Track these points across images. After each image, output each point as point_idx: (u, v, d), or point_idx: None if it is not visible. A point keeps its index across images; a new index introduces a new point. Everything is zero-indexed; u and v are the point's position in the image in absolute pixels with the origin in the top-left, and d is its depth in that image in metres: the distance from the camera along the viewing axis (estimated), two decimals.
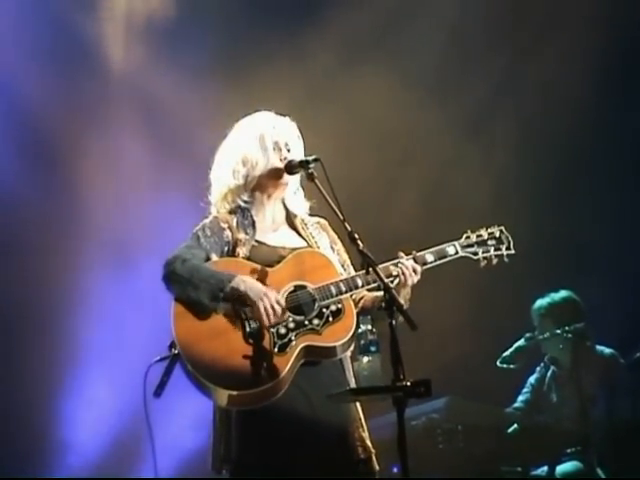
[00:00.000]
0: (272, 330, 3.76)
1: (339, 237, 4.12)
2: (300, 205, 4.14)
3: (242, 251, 3.94)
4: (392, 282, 3.86)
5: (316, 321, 3.81)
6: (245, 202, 4.06)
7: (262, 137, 4.04)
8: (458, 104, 7.62)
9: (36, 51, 7.03)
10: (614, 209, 7.48)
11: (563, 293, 6.76)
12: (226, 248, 3.96)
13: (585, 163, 7.49)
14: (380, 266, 3.79)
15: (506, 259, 4.10)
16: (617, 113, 7.45)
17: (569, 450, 6.43)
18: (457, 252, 4.05)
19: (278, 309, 3.75)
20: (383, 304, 3.58)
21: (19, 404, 6.82)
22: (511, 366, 6.58)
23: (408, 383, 3.41)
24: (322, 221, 4.17)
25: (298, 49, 7.34)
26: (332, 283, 3.85)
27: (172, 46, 7.28)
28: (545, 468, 6.41)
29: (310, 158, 3.94)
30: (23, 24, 7.06)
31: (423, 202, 7.49)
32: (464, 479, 6.30)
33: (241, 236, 3.97)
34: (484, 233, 4.12)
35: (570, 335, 6.46)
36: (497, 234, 4.13)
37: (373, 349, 3.78)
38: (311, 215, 4.17)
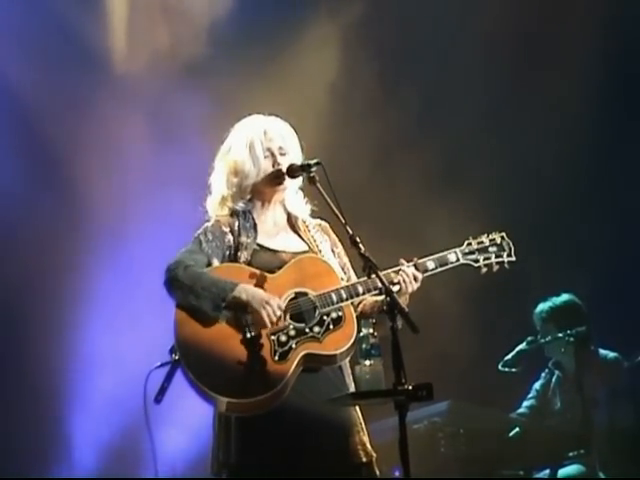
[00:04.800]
0: (273, 338, 3.76)
1: (339, 240, 4.11)
2: (301, 207, 4.12)
3: (244, 255, 3.94)
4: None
5: (317, 329, 3.81)
6: (243, 207, 4.04)
7: (252, 145, 4.01)
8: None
9: (34, 47, 7.01)
10: (616, 208, 7.45)
11: (565, 297, 6.75)
12: (227, 252, 3.95)
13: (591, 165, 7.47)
14: (381, 273, 3.78)
15: (507, 266, 4.08)
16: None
17: (571, 454, 6.42)
18: (458, 259, 4.03)
19: (280, 314, 3.75)
20: (385, 307, 3.58)
21: (19, 403, 6.81)
22: (513, 370, 6.56)
23: (410, 387, 3.41)
24: (323, 223, 4.15)
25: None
26: (333, 290, 3.84)
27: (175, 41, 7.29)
28: (547, 471, 6.40)
29: (312, 162, 3.93)
30: (22, 20, 7.06)
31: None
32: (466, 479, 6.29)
33: (243, 239, 3.97)
34: (485, 240, 4.09)
35: (572, 339, 6.44)
36: (498, 240, 4.10)
37: (375, 353, 3.76)
38: (312, 217, 4.15)
